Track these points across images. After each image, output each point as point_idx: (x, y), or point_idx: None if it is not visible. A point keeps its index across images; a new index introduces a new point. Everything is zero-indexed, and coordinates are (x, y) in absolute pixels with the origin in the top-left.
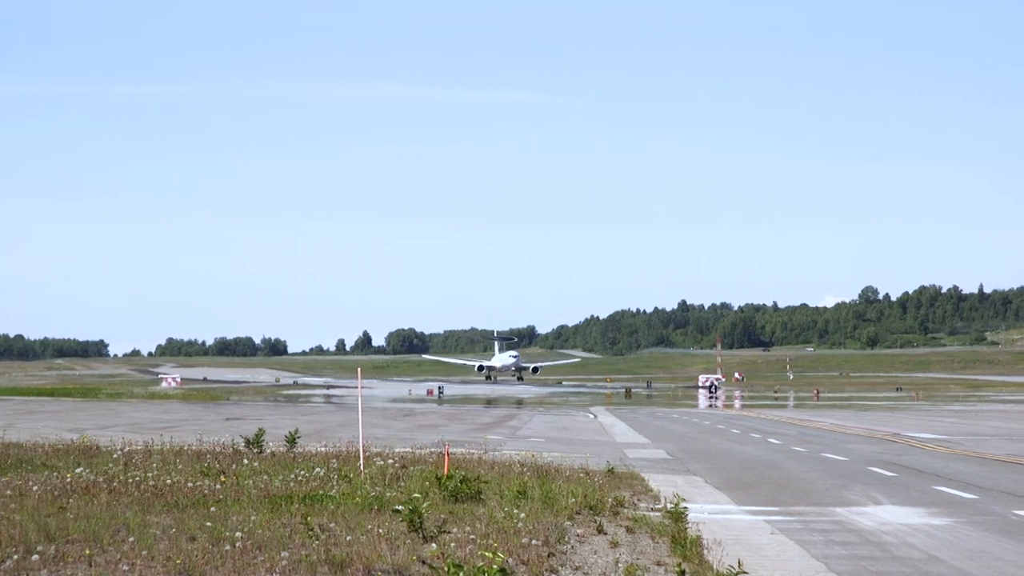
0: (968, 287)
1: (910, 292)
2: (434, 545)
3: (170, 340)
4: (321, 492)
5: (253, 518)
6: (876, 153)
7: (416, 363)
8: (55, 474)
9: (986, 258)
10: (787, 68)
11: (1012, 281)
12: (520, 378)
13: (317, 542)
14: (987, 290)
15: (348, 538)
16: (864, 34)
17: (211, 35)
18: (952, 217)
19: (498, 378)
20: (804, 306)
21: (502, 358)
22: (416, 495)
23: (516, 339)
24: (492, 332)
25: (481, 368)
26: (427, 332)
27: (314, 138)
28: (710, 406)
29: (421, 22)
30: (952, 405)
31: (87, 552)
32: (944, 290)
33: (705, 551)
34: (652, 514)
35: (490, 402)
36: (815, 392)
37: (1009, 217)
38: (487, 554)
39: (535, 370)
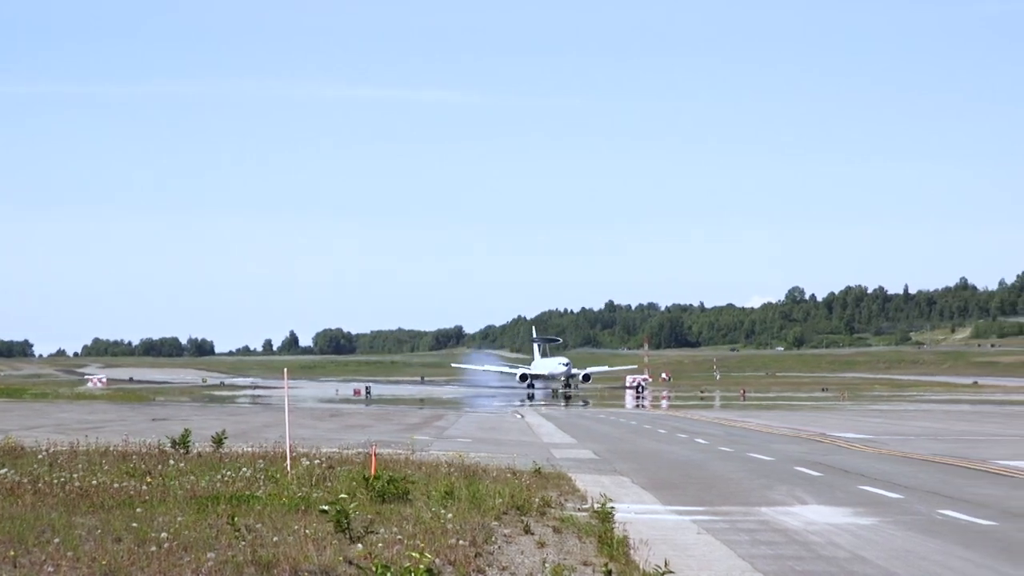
0: (893, 288)
1: (836, 293)
2: (361, 545)
3: (96, 340)
4: (247, 493)
5: (179, 519)
6: (799, 153)
7: (438, 364)
8: None
9: (912, 259)
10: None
11: (937, 282)
12: (568, 385)
13: (243, 543)
14: (912, 291)
15: (275, 539)
16: (803, 32)
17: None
18: (878, 218)
19: (539, 388)
20: (731, 306)
21: (549, 364)
22: (343, 495)
23: (561, 340)
24: (421, 332)
25: (524, 377)
26: (354, 332)
27: (239, 137)
28: (637, 406)
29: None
30: (878, 405)
31: (11, 553)
32: (870, 291)
33: (632, 551)
34: (579, 514)
35: (417, 402)
36: (741, 392)
37: (935, 218)
38: (414, 554)
39: (586, 378)
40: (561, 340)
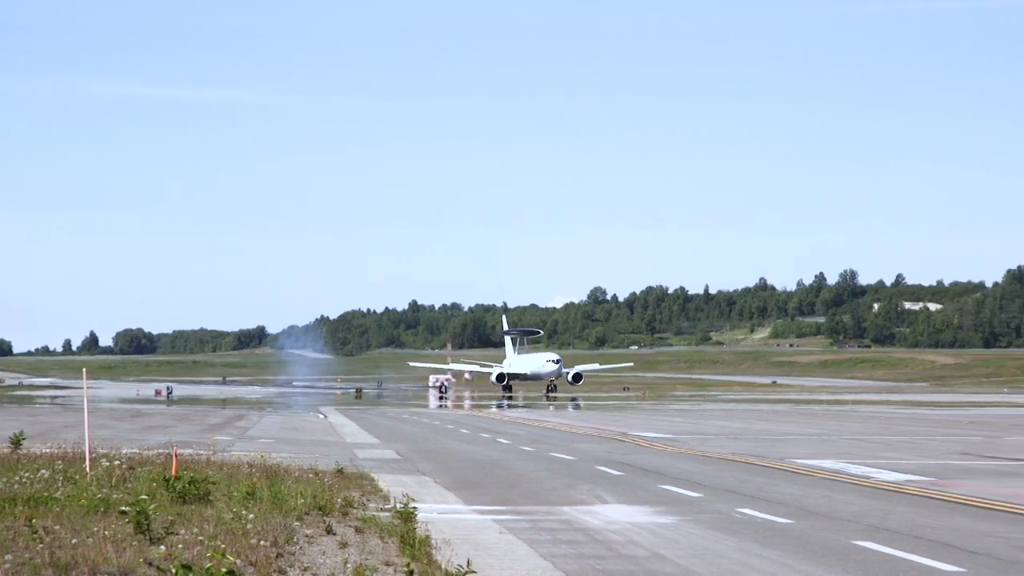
0: (694, 288)
1: (637, 293)
2: (162, 547)
3: None
4: (46, 494)
5: None
6: (597, 154)
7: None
8: None
9: (712, 259)
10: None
11: (737, 282)
12: (554, 388)
13: (42, 545)
14: (712, 291)
15: (73, 540)
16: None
17: None
18: (679, 218)
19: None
20: (534, 306)
21: (534, 362)
22: (143, 497)
23: (541, 332)
24: (223, 332)
25: (502, 377)
26: (155, 332)
27: (29, 133)
28: (441, 406)
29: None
30: (678, 404)
31: None
32: (671, 291)
33: (434, 551)
34: (382, 514)
35: (219, 403)
36: (544, 392)
37: (734, 219)
38: (215, 555)
39: (577, 378)
40: (539, 332)
